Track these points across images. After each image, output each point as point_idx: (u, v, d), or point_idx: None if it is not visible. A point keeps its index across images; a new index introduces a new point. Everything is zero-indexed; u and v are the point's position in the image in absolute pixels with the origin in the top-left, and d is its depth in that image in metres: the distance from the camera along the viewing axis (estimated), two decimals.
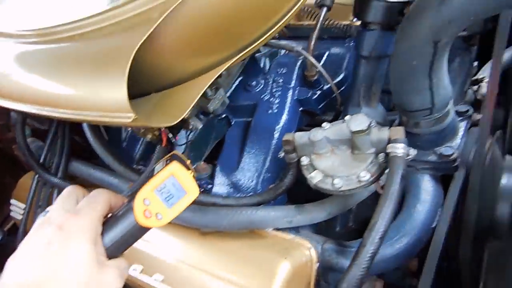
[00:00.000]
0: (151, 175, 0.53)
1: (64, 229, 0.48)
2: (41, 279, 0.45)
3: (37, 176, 0.87)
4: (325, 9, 0.79)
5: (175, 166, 0.52)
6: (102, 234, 0.51)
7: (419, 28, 0.51)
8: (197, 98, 0.52)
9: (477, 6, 0.45)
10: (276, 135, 0.79)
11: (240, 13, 0.51)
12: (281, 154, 0.72)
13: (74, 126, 0.90)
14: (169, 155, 0.55)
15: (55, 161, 0.86)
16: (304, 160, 0.68)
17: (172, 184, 0.52)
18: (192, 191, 0.52)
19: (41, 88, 0.49)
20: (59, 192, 0.85)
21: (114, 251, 0.51)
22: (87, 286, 0.47)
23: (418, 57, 0.54)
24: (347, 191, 0.63)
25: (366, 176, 0.62)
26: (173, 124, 0.50)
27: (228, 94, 0.86)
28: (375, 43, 0.68)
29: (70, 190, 0.55)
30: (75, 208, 0.51)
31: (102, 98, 0.44)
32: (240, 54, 0.56)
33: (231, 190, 0.79)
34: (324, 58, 0.91)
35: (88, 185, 0.90)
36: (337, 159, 0.66)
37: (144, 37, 0.43)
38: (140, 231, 0.52)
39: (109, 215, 0.53)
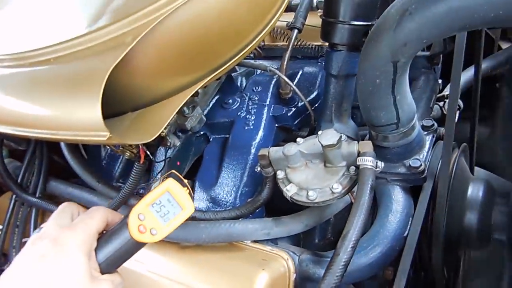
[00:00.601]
0: (148, 191, 0.54)
1: (58, 243, 0.48)
2: None
3: (14, 196, 0.87)
4: (296, 31, 0.82)
5: (170, 182, 0.53)
6: (97, 249, 0.51)
7: (379, 49, 0.55)
8: (172, 117, 0.54)
9: (428, 31, 0.49)
10: (253, 150, 0.81)
11: (211, 37, 0.54)
12: (258, 169, 0.74)
13: (53, 145, 0.91)
14: (167, 173, 0.56)
15: (33, 180, 0.86)
16: (280, 174, 0.71)
17: (168, 200, 0.53)
18: (187, 208, 0.53)
19: (17, 110, 0.50)
20: (37, 212, 0.85)
21: (108, 267, 0.51)
22: None
23: (380, 76, 0.58)
24: (321, 203, 0.66)
25: (338, 188, 0.65)
26: (148, 141, 0.52)
27: (205, 112, 0.88)
28: (342, 63, 0.71)
29: (65, 206, 0.55)
30: (71, 223, 0.52)
31: (77, 118, 0.46)
32: (213, 75, 0.58)
33: (211, 204, 0.80)
34: (298, 76, 0.94)
35: None
36: (311, 173, 0.69)
37: (117, 61, 0.45)
38: (134, 246, 0.52)
39: (105, 232, 0.54)
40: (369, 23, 0.68)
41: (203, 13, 0.52)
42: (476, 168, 0.93)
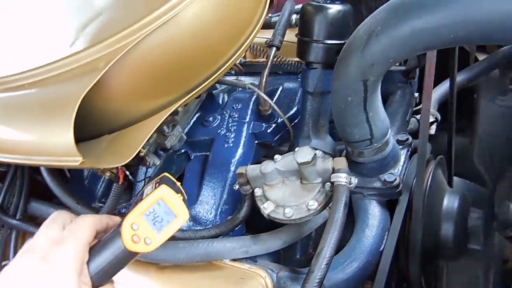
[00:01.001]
0: (139, 198, 0.52)
1: (47, 260, 0.47)
2: None
3: None
4: (274, 48, 0.84)
5: (163, 189, 0.51)
6: (88, 261, 0.49)
7: (349, 69, 0.56)
8: (146, 139, 0.55)
9: (393, 51, 0.51)
10: (232, 168, 0.82)
11: (185, 60, 0.55)
12: (236, 187, 0.75)
13: (35, 166, 0.91)
14: (159, 177, 0.54)
15: (14, 202, 0.86)
16: (258, 192, 0.72)
17: (161, 208, 0.51)
18: (182, 214, 0.52)
19: None
20: (17, 234, 0.85)
21: (101, 279, 0.50)
22: None
23: (352, 94, 0.59)
24: (298, 220, 0.67)
25: (314, 204, 0.66)
26: (122, 164, 0.53)
27: (186, 130, 0.89)
28: (318, 81, 0.73)
29: (57, 215, 0.53)
30: (60, 235, 0.50)
31: (50, 143, 0.47)
32: (188, 96, 0.59)
33: (191, 223, 0.81)
34: (278, 92, 0.95)
35: None
36: (287, 190, 0.70)
37: (90, 86, 0.46)
38: (128, 256, 0.51)
39: (95, 241, 0.52)
40: (343, 42, 0.70)
41: (176, 37, 0.53)
42: (454, 178, 0.95)
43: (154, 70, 0.53)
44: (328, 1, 0.69)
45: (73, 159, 0.46)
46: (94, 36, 0.50)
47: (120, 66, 0.50)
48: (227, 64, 0.64)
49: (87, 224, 0.51)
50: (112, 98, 0.53)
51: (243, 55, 0.68)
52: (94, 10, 0.54)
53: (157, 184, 0.53)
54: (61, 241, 0.49)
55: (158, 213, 0.51)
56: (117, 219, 0.56)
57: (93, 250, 0.51)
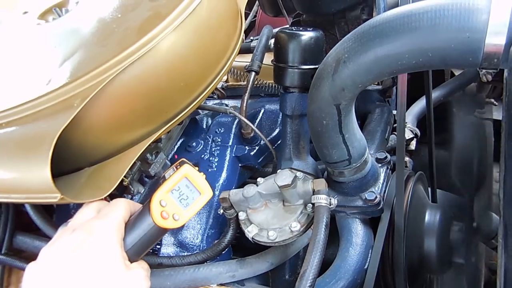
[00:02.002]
0: (162, 180, 0.54)
1: (91, 233, 0.48)
2: (69, 284, 0.44)
3: None
4: (253, 73, 0.86)
5: (187, 168, 0.53)
6: (123, 238, 0.51)
7: (321, 94, 0.58)
8: (127, 170, 0.56)
9: (361, 77, 0.53)
10: (217, 192, 0.82)
11: (161, 92, 0.56)
12: (220, 211, 0.75)
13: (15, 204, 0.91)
14: (178, 161, 0.56)
15: None
16: (242, 215, 0.73)
17: (186, 186, 0.54)
18: (206, 192, 0.54)
19: None
20: (3, 269, 0.85)
21: (135, 254, 0.51)
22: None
23: (326, 118, 0.61)
24: (281, 242, 0.68)
25: (297, 226, 0.67)
26: (102, 197, 0.53)
27: (170, 156, 0.89)
28: (295, 104, 0.75)
29: (89, 203, 0.54)
30: (99, 214, 0.51)
31: (28, 181, 0.48)
32: (167, 126, 0.61)
33: (178, 249, 0.81)
34: (260, 115, 0.97)
35: (35, 258, 0.89)
36: (270, 212, 0.71)
37: (66, 123, 0.47)
38: (158, 232, 0.52)
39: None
40: (316, 66, 0.72)
41: (151, 70, 0.55)
42: (438, 191, 0.97)
43: (131, 103, 0.54)
44: (301, 28, 0.71)
45: (52, 196, 0.47)
46: (69, 74, 0.51)
47: (96, 101, 0.51)
48: (204, 93, 0.65)
49: (123, 204, 0.54)
50: (90, 132, 0.54)
51: (220, 82, 0.69)
52: (69, 48, 0.56)
53: (176, 168, 0.55)
54: (102, 217, 0.50)
55: (184, 191, 0.53)
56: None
57: (126, 227, 0.52)
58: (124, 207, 0.53)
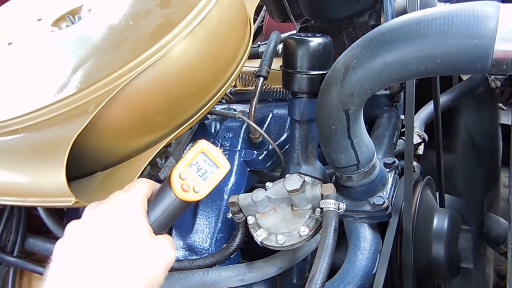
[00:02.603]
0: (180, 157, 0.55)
1: (115, 204, 0.49)
2: (97, 254, 0.45)
3: None
4: (261, 79, 0.87)
5: (203, 143, 0.54)
6: (147, 212, 0.52)
7: (330, 100, 0.59)
8: (138, 175, 0.56)
9: (370, 83, 0.53)
10: (225, 196, 0.83)
11: (172, 98, 0.57)
12: (229, 215, 0.76)
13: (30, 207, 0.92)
14: (195, 142, 0.57)
15: (11, 239, 0.87)
16: (250, 220, 0.73)
17: (203, 160, 0.54)
18: (224, 165, 0.55)
19: None
20: (15, 271, 0.86)
21: (158, 229, 0.52)
22: (146, 257, 0.47)
23: (335, 123, 0.62)
24: (290, 246, 0.68)
25: (305, 230, 0.68)
26: None
27: None
28: (304, 109, 0.75)
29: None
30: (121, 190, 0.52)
31: (44, 185, 0.49)
32: (178, 131, 0.62)
33: (187, 253, 0.82)
34: (268, 120, 0.98)
35: (46, 260, 0.91)
36: (279, 217, 0.71)
37: (81, 129, 0.48)
38: (180, 206, 0.53)
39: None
40: (325, 72, 0.73)
41: (163, 77, 0.56)
42: (446, 196, 0.97)
43: (143, 109, 0.55)
44: (309, 34, 0.72)
45: (66, 200, 0.48)
46: (83, 80, 0.52)
47: (109, 107, 0.52)
48: (214, 98, 0.66)
49: (145, 181, 0.55)
50: (103, 138, 0.55)
51: (230, 88, 0.70)
52: (83, 55, 0.57)
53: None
54: (126, 190, 0.51)
55: (202, 165, 0.54)
56: None
57: (149, 203, 0.53)
58: (146, 183, 0.55)
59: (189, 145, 0.94)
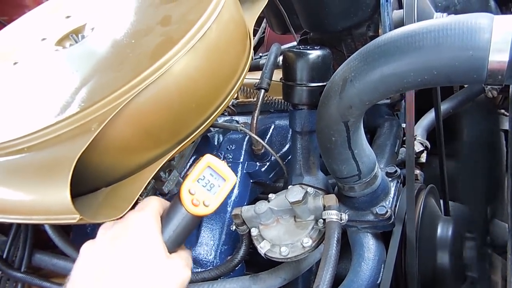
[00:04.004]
0: (187, 174, 0.56)
1: (130, 223, 0.49)
2: (113, 276, 0.45)
3: (0, 272, 0.88)
4: (262, 91, 0.88)
5: (209, 157, 0.56)
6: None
7: (329, 112, 0.60)
8: (141, 191, 0.57)
9: (368, 95, 0.54)
10: (229, 208, 0.84)
11: (174, 113, 0.58)
12: (233, 227, 0.77)
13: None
14: (200, 157, 0.59)
15: (19, 254, 0.88)
16: (254, 231, 0.74)
17: (210, 174, 0.56)
18: (230, 177, 0.57)
19: None
20: (22, 287, 0.87)
21: (172, 246, 0.53)
22: (161, 278, 0.47)
23: (335, 134, 0.62)
24: (294, 258, 0.68)
25: (308, 242, 0.68)
26: (119, 217, 0.55)
27: (182, 174, 0.91)
28: (304, 120, 0.76)
29: None
30: (134, 209, 0.53)
31: (49, 203, 0.49)
32: (180, 145, 0.63)
33: (192, 265, 0.82)
34: (270, 131, 0.99)
35: (53, 275, 0.91)
36: (282, 228, 0.72)
37: (85, 147, 0.49)
38: (192, 221, 0.54)
39: None
40: (324, 84, 0.73)
41: (164, 93, 0.57)
42: (450, 203, 0.97)
43: (145, 125, 0.56)
44: (308, 47, 0.73)
45: (71, 217, 0.49)
46: (87, 99, 0.54)
47: (112, 124, 0.53)
48: (216, 112, 0.67)
49: (156, 199, 0.56)
50: (107, 154, 0.56)
51: (231, 101, 0.71)
52: (86, 73, 0.58)
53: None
54: (139, 209, 0.52)
55: (209, 179, 0.56)
56: None
57: (161, 221, 0.54)
58: (157, 201, 0.55)
59: (193, 158, 0.95)
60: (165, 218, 0.55)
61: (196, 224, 0.56)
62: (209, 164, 0.56)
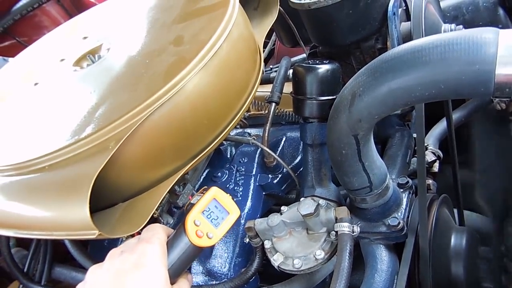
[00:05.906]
0: (189, 206, 0.59)
1: (139, 258, 0.50)
2: None
3: (21, 286, 0.91)
4: (274, 104, 0.90)
5: (215, 190, 0.58)
6: None
7: (339, 125, 0.61)
8: (156, 206, 0.59)
9: (376, 109, 0.55)
10: (242, 221, 0.85)
11: (187, 130, 0.60)
12: (246, 240, 0.78)
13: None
14: (202, 189, 0.61)
15: (39, 268, 0.91)
16: (267, 244, 0.75)
17: (215, 207, 0.58)
18: (234, 211, 0.58)
19: (17, 214, 0.56)
20: None
21: (173, 275, 0.54)
22: None
23: (345, 147, 0.63)
24: (307, 270, 0.69)
25: (321, 254, 0.69)
26: (135, 231, 0.57)
27: (196, 187, 0.93)
28: (315, 133, 0.77)
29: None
30: (142, 237, 0.54)
31: (68, 219, 0.52)
32: (194, 160, 0.64)
33: (207, 278, 0.83)
34: (282, 143, 1.00)
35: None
36: (295, 241, 0.72)
37: (103, 165, 0.51)
38: (194, 252, 0.56)
39: None
40: (334, 97, 0.75)
41: (177, 111, 0.59)
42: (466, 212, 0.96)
43: (160, 142, 0.58)
44: (317, 61, 0.75)
45: (90, 232, 0.51)
46: (104, 118, 0.56)
47: (129, 142, 0.55)
48: (228, 127, 0.69)
49: (161, 228, 0.57)
50: (124, 171, 0.58)
51: (243, 116, 0.73)
52: (103, 93, 0.61)
53: (202, 193, 0.59)
54: (147, 240, 0.53)
55: (214, 211, 0.57)
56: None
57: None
58: (162, 229, 0.57)
59: (206, 171, 0.97)
60: (169, 246, 0.56)
61: (197, 255, 0.57)
62: (215, 197, 0.58)
